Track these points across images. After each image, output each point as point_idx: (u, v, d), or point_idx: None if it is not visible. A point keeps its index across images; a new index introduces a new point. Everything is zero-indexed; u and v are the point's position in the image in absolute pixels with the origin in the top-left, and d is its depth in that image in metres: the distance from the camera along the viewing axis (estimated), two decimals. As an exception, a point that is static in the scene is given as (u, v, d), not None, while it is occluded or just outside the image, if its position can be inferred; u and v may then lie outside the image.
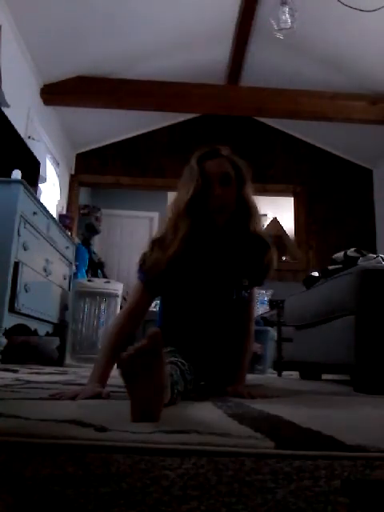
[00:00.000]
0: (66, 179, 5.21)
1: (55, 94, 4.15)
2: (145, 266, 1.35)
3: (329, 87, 4.35)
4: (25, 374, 2.05)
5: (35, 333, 2.69)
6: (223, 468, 0.50)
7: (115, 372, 1.40)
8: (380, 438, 0.70)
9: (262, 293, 5.07)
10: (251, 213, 1.42)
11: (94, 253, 5.19)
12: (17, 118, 3.27)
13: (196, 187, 1.32)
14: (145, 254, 1.37)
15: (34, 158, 3.24)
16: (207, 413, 0.94)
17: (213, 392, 1.41)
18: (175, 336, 1.42)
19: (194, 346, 1.41)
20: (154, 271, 1.33)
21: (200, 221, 1.36)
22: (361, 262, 2.16)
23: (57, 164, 4.66)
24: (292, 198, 5.69)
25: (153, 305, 1.60)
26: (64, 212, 4.97)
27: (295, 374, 3.04)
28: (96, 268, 5.06)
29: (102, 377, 1.20)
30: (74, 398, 1.06)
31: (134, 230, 6.61)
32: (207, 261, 1.42)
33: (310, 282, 2.58)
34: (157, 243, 1.37)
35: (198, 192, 1.33)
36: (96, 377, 1.20)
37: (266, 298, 4.99)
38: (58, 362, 3.27)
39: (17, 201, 2.30)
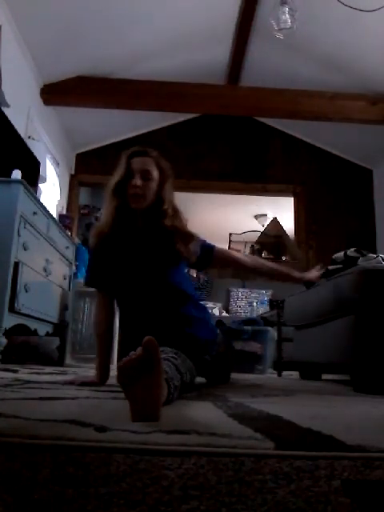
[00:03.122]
0: (66, 179, 5.20)
1: (55, 94, 4.15)
2: (90, 244, 1.64)
3: (328, 87, 4.35)
4: (25, 373, 2.05)
5: (35, 333, 2.69)
6: (223, 468, 0.50)
7: (114, 372, 1.52)
8: (380, 438, 0.70)
9: (261, 293, 5.07)
10: (165, 209, 1.62)
11: (94, 253, 5.18)
12: (17, 118, 3.26)
13: (120, 176, 1.59)
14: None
15: (34, 158, 3.24)
16: (207, 413, 0.94)
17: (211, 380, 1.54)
18: (131, 327, 1.61)
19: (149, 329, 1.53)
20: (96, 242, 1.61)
21: (124, 206, 1.60)
22: (361, 261, 2.16)
23: (57, 164, 4.66)
24: (292, 198, 5.69)
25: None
26: (64, 212, 4.96)
27: (295, 374, 3.04)
28: (96, 268, 5.04)
29: (100, 368, 1.58)
30: (81, 383, 1.48)
31: (134, 229, 6.60)
32: (132, 246, 1.61)
33: (310, 282, 2.57)
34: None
35: (122, 180, 1.59)
36: (96, 368, 1.59)
37: (265, 298, 5.00)
38: (58, 362, 3.27)
39: (17, 201, 2.30)
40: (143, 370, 0.79)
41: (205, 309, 1.80)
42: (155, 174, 1.62)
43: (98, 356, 1.60)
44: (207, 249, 1.77)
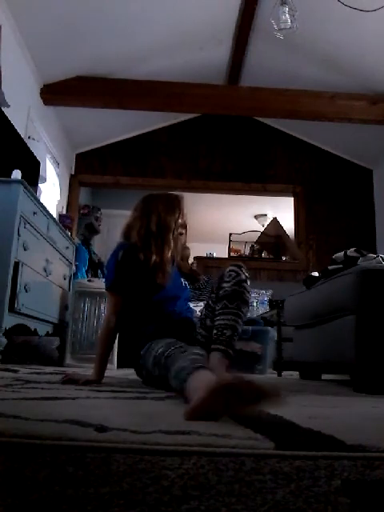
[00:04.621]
0: (66, 179, 5.20)
1: (55, 93, 4.15)
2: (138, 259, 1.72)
3: (329, 87, 4.35)
4: (25, 373, 2.05)
5: (35, 333, 2.69)
6: (223, 468, 0.50)
7: (114, 372, 1.54)
8: (380, 437, 0.70)
9: (261, 293, 5.07)
10: (185, 258, 2.04)
11: (94, 253, 5.19)
12: (17, 118, 3.26)
13: (181, 225, 1.82)
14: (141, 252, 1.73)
15: (34, 157, 3.24)
16: (207, 413, 0.94)
17: None
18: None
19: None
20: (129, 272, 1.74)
21: None
22: (361, 262, 2.16)
23: (57, 164, 4.66)
24: (292, 198, 5.69)
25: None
26: (64, 212, 4.96)
27: (295, 374, 3.04)
28: (96, 268, 5.05)
29: (99, 371, 1.68)
30: (78, 382, 1.56)
31: (134, 229, 6.60)
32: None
33: (310, 282, 2.57)
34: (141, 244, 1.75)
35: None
36: (95, 371, 1.68)
37: (265, 298, 5.00)
38: (58, 362, 3.26)
39: (17, 201, 2.30)
40: (247, 401, 0.82)
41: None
42: None
43: (103, 354, 1.71)
44: None
